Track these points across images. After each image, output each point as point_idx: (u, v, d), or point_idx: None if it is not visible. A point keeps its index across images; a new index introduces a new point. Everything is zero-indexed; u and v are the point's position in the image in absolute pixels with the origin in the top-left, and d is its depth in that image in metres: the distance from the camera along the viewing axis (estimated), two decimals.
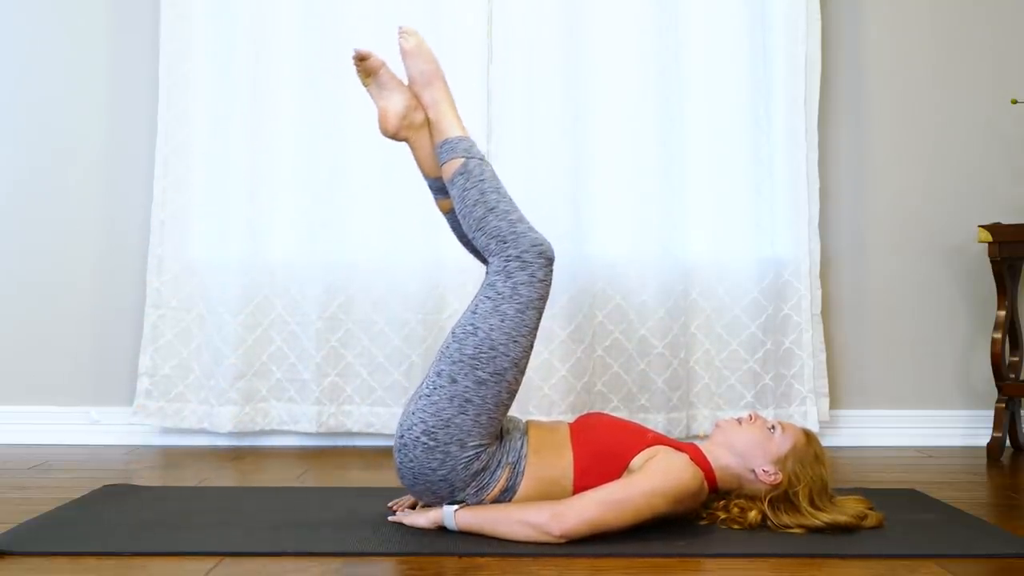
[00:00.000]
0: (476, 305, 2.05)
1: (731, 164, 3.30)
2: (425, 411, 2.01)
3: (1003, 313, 3.18)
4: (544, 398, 3.22)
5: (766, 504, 2.05)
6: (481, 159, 2.16)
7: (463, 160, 2.14)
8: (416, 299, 3.24)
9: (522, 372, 2.06)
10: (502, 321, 2.01)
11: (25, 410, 3.30)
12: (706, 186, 3.31)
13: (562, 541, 1.91)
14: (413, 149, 2.28)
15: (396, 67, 2.28)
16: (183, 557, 1.87)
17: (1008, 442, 3.27)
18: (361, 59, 2.25)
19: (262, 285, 3.25)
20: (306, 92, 3.26)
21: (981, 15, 3.44)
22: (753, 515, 2.05)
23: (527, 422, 2.17)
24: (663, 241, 3.28)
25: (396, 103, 2.24)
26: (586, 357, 3.25)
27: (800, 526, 2.03)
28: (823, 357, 3.32)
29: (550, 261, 2.06)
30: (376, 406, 3.24)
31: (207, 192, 3.27)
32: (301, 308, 3.25)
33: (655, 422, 3.20)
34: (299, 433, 3.28)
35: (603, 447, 2.07)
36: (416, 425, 2.01)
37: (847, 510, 2.07)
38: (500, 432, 2.10)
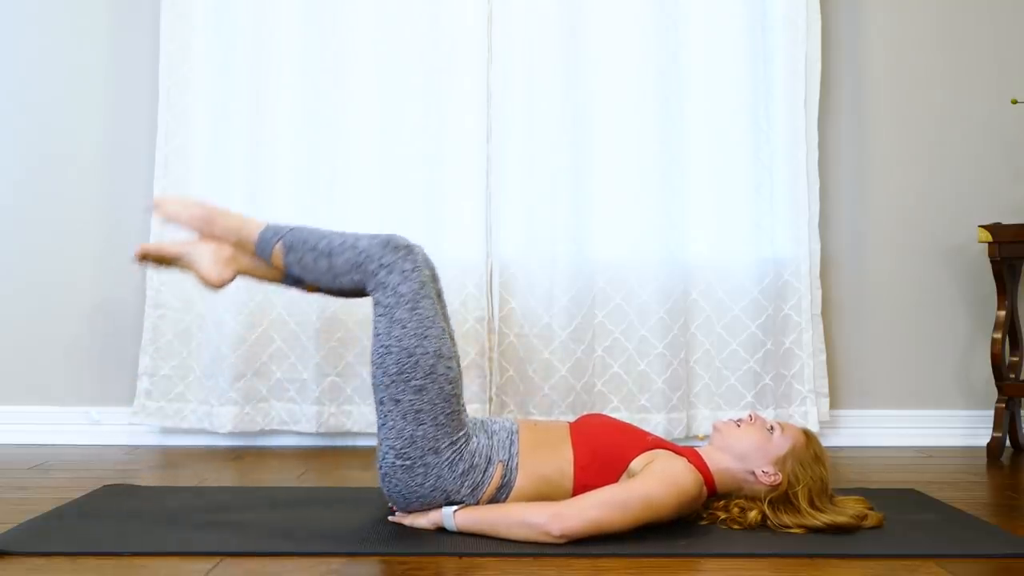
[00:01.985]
0: (375, 328, 2.05)
1: (731, 164, 3.29)
2: (388, 439, 2.03)
3: (1003, 313, 3.18)
4: (544, 398, 3.22)
5: (766, 504, 2.05)
6: (290, 228, 2.16)
7: (279, 242, 2.15)
8: None
9: (450, 358, 2.05)
10: (403, 327, 2.01)
11: (25, 410, 3.30)
12: (706, 186, 3.31)
13: (562, 541, 1.92)
14: (249, 275, 2.27)
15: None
16: (183, 557, 1.87)
17: (1008, 442, 3.27)
18: (144, 256, 2.22)
19: (262, 285, 3.24)
20: (306, 92, 3.26)
21: (981, 15, 3.44)
22: (753, 515, 2.05)
23: (518, 422, 2.17)
24: (663, 241, 3.28)
25: (204, 260, 2.22)
26: (586, 357, 3.25)
27: (800, 526, 2.03)
28: (823, 357, 3.32)
29: (406, 248, 2.06)
30: None
31: (207, 192, 3.26)
32: (301, 308, 3.25)
33: (655, 422, 3.20)
34: (299, 433, 3.28)
35: (603, 446, 2.07)
36: (387, 453, 2.03)
37: (847, 510, 2.07)
38: (476, 427, 2.10)
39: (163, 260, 2.26)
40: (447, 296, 3.20)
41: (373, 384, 2.06)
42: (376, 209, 3.25)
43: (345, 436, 3.31)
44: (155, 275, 3.24)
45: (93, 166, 3.35)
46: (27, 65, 3.36)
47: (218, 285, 2.23)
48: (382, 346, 2.03)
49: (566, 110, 3.27)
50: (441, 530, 2.03)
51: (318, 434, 3.26)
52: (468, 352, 3.22)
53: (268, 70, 3.26)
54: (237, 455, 3.12)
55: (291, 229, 2.17)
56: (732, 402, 3.27)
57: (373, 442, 3.25)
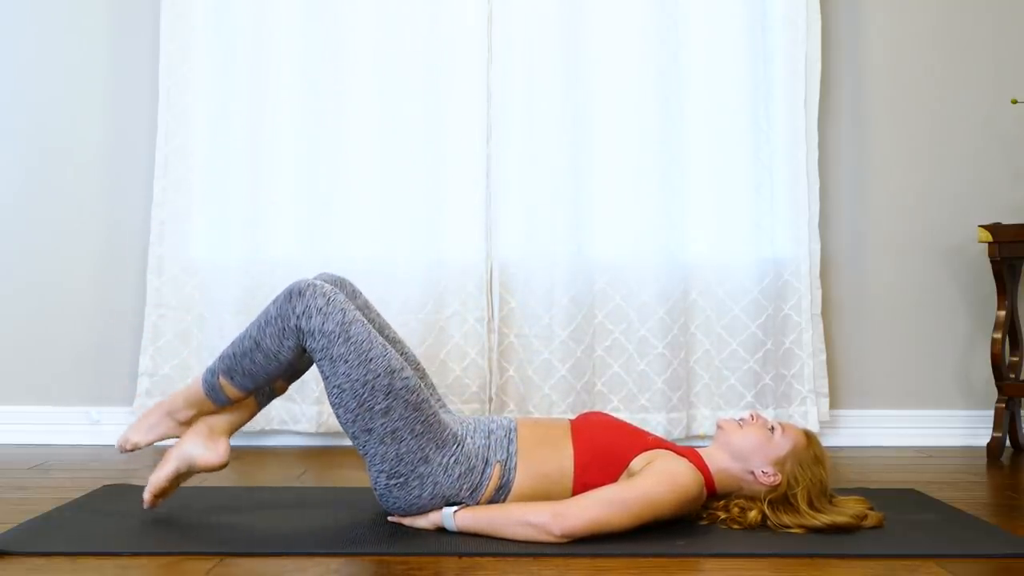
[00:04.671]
0: (322, 373, 2.03)
1: (731, 164, 3.29)
2: (375, 466, 2.03)
3: (1003, 313, 3.18)
4: (544, 398, 3.22)
5: (765, 504, 2.05)
6: (218, 357, 2.15)
7: (220, 376, 2.12)
8: (416, 299, 3.24)
9: (402, 368, 2.03)
10: (345, 362, 1.99)
11: (25, 410, 3.30)
12: (706, 186, 3.31)
13: (563, 541, 1.92)
14: (237, 426, 2.23)
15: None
16: (183, 557, 1.87)
17: (1008, 442, 3.27)
18: (154, 503, 2.16)
19: (262, 285, 3.24)
20: (306, 92, 3.26)
21: (981, 15, 3.44)
22: (753, 515, 2.06)
23: (517, 420, 2.17)
24: (663, 241, 3.28)
25: (195, 453, 2.15)
26: (586, 357, 3.25)
27: (800, 526, 2.03)
28: (823, 357, 3.32)
29: (310, 288, 2.03)
30: None
31: (207, 192, 3.27)
32: None
33: (655, 422, 3.20)
34: (299, 433, 3.28)
35: (604, 445, 2.07)
36: (379, 478, 2.04)
37: (846, 511, 2.07)
38: (473, 427, 2.10)
39: (170, 489, 2.18)
40: (447, 297, 3.24)
41: (341, 424, 2.05)
42: (376, 209, 3.25)
43: (345, 436, 3.30)
44: (155, 275, 3.24)
45: (93, 166, 3.35)
46: (27, 65, 3.36)
47: (224, 463, 2.17)
48: (335, 387, 2.01)
49: (566, 110, 3.27)
50: (441, 530, 2.03)
51: (318, 434, 3.26)
52: (468, 352, 3.22)
53: (268, 70, 3.26)
54: (237, 455, 3.11)
55: (219, 357, 2.14)
56: (732, 402, 3.27)
57: None
